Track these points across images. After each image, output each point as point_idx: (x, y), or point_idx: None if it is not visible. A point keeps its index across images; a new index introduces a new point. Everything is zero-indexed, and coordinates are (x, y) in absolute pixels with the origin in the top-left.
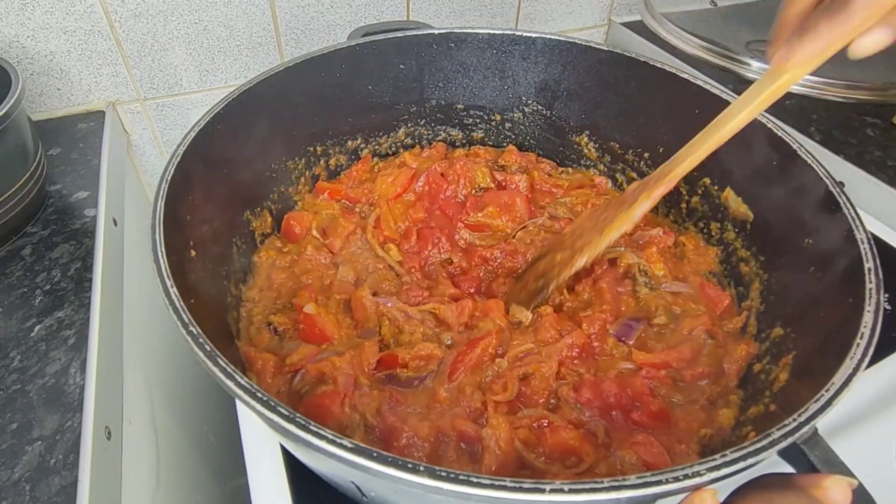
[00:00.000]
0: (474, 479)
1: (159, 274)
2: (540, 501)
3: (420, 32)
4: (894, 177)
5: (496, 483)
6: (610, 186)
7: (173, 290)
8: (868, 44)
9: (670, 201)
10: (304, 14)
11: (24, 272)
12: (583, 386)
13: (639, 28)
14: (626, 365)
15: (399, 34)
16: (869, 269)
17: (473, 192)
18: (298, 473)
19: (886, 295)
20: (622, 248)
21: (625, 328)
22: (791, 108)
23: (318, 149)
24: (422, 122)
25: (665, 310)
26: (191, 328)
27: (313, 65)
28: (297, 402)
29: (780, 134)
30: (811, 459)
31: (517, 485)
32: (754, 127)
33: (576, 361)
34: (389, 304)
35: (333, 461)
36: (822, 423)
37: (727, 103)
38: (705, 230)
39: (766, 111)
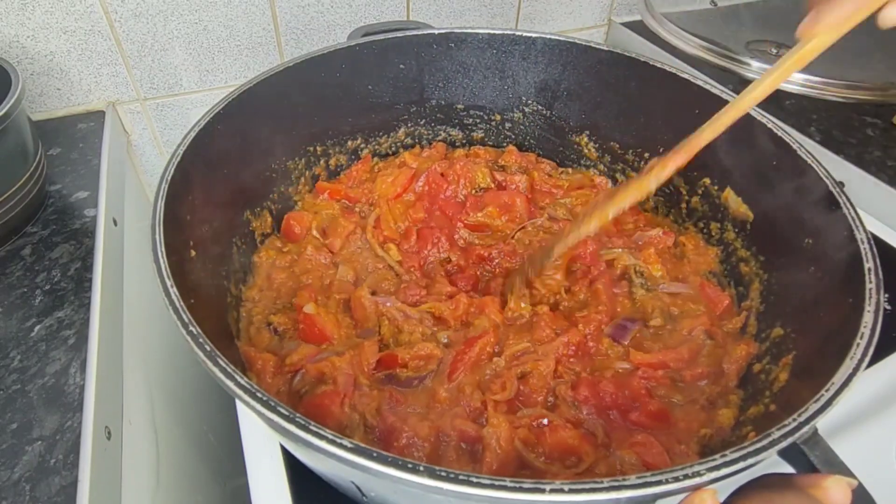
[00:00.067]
0: (474, 479)
1: (159, 274)
2: (540, 501)
3: (420, 32)
4: (894, 177)
5: (496, 483)
6: (610, 186)
7: (173, 290)
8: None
9: (670, 201)
10: (304, 14)
11: (24, 272)
12: (580, 384)
13: (639, 28)
14: (622, 365)
15: (399, 34)
16: (869, 269)
17: (473, 192)
18: (298, 473)
19: (886, 295)
20: (619, 250)
21: (619, 329)
22: (791, 108)
23: (318, 149)
24: (422, 122)
25: (662, 311)
26: (191, 328)
27: (313, 65)
28: (296, 402)
29: (780, 134)
30: (811, 459)
31: (517, 485)
32: (754, 127)
33: (572, 360)
34: (388, 304)
35: (333, 461)
36: (822, 423)
37: (727, 103)
38: (705, 230)
39: (766, 111)
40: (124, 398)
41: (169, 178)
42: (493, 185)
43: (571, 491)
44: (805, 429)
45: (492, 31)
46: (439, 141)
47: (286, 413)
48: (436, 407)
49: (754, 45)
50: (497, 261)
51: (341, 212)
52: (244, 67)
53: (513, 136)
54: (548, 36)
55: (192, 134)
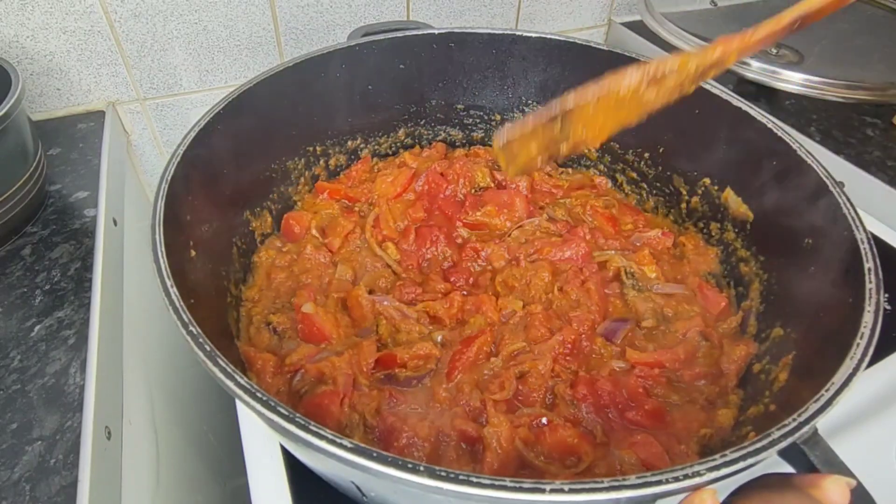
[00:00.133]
0: (474, 479)
1: (159, 274)
2: (540, 501)
3: (420, 32)
4: (894, 177)
5: (496, 483)
6: (610, 186)
7: (173, 290)
8: None
9: (670, 202)
10: (304, 14)
11: (24, 272)
12: (579, 383)
13: (639, 28)
14: (619, 364)
15: (399, 34)
16: (869, 269)
17: (473, 191)
18: (298, 473)
19: (886, 295)
20: (611, 252)
21: (610, 328)
22: (791, 108)
23: (318, 149)
24: (422, 122)
25: (654, 312)
26: (191, 328)
27: (313, 65)
28: (296, 402)
29: (780, 134)
30: (811, 459)
31: (517, 485)
32: (755, 127)
33: (568, 358)
34: (385, 303)
35: (333, 461)
36: (822, 423)
37: (727, 103)
38: (705, 230)
39: (766, 111)
40: (124, 398)
41: (169, 178)
42: (492, 185)
43: (571, 491)
44: (805, 429)
45: (492, 31)
46: (439, 141)
47: (286, 413)
48: (435, 406)
49: None
50: (490, 255)
51: (341, 211)
52: (244, 67)
53: None
54: (548, 36)
55: (192, 134)
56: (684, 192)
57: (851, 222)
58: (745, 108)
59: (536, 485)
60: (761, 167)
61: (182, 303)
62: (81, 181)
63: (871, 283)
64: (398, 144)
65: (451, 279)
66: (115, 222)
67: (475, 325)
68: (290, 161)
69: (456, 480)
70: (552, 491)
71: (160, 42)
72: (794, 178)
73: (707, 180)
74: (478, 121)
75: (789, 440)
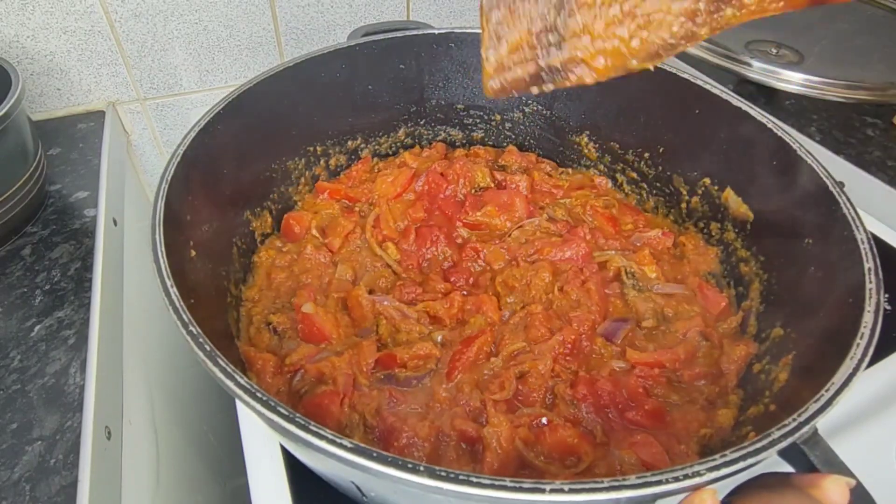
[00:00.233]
0: (474, 479)
1: (159, 274)
2: (540, 501)
3: (420, 32)
4: (894, 177)
5: (496, 483)
6: (610, 186)
7: (173, 290)
8: None
9: (670, 202)
10: (304, 14)
11: (24, 272)
12: (579, 383)
13: None
14: (619, 364)
15: (399, 34)
16: (869, 269)
17: (473, 191)
18: (298, 473)
19: (886, 295)
20: (612, 252)
21: (611, 328)
22: (791, 108)
23: (318, 149)
24: (422, 122)
25: (654, 312)
26: (191, 328)
27: (313, 65)
28: (296, 402)
29: (780, 134)
30: (811, 459)
31: (517, 485)
32: (755, 127)
33: (568, 358)
34: (385, 303)
35: (333, 461)
36: (822, 423)
37: (727, 103)
38: (705, 230)
39: (766, 111)
40: (124, 398)
41: (169, 178)
42: (492, 185)
43: (571, 491)
44: (805, 429)
45: None
46: (439, 141)
47: (286, 413)
48: (435, 406)
49: (754, 45)
50: (489, 255)
51: (341, 211)
52: (244, 67)
53: (513, 136)
54: None
55: (192, 134)
56: (684, 192)
57: (851, 222)
58: (745, 108)
59: (536, 485)
60: (761, 167)
61: (182, 303)
62: (81, 181)
63: (871, 283)
64: (398, 144)
65: (451, 279)
66: (115, 222)
67: (475, 325)
68: (290, 161)
69: (456, 480)
70: (552, 491)
71: (160, 42)
72: (794, 178)
73: (707, 180)
74: (478, 121)
75: (789, 440)
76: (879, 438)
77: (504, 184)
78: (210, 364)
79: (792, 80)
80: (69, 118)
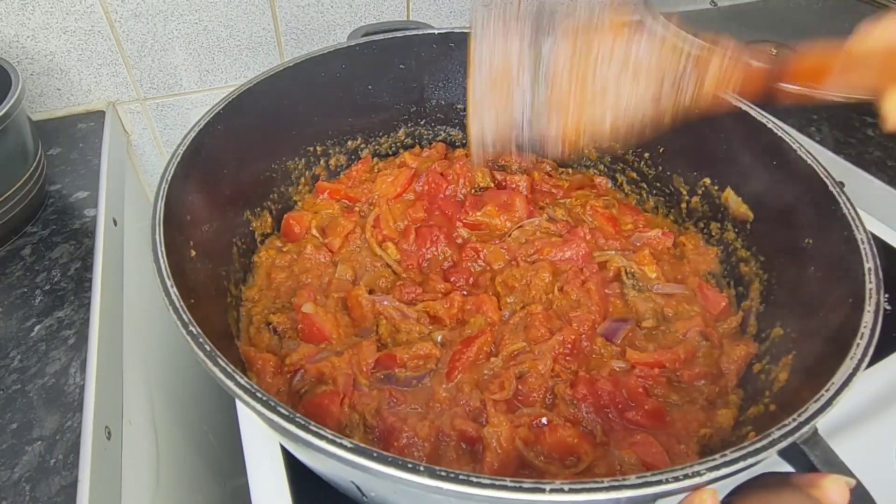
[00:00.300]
0: (474, 479)
1: (159, 274)
2: (540, 501)
3: (420, 32)
4: (894, 177)
5: (496, 483)
6: (610, 186)
7: (173, 290)
8: None
9: (670, 202)
10: (304, 14)
11: (24, 272)
12: (579, 383)
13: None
14: (619, 364)
15: (399, 34)
16: (869, 269)
17: (473, 191)
18: (298, 473)
19: (886, 295)
20: (612, 252)
21: (611, 328)
22: (791, 108)
23: (318, 149)
24: (422, 122)
25: (654, 312)
26: (191, 328)
27: (313, 65)
28: (296, 402)
29: (780, 134)
30: (811, 459)
31: (517, 484)
32: (755, 127)
33: (568, 358)
34: (385, 303)
35: (333, 461)
36: (822, 423)
37: (727, 103)
38: (705, 230)
39: (766, 111)
40: (124, 398)
41: (169, 178)
42: (492, 185)
43: (572, 491)
44: (805, 429)
45: None
46: (439, 141)
47: (286, 413)
48: (435, 406)
49: (754, 45)
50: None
51: (341, 211)
52: (244, 67)
53: None
54: None
55: (192, 134)
56: (684, 192)
57: (851, 222)
58: (745, 107)
59: (536, 485)
60: (761, 167)
61: (182, 303)
62: (81, 181)
63: (871, 283)
64: (398, 144)
65: (451, 279)
66: (115, 222)
67: (475, 325)
68: (290, 161)
69: (456, 480)
70: (552, 491)
71: (160, 42)
72: (794, 177)
73: (707, 180)
74: None
75: (789, 440)
76: (879, 438)
77: (504, 184)
78: (210, 364)
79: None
80: (69, 118)
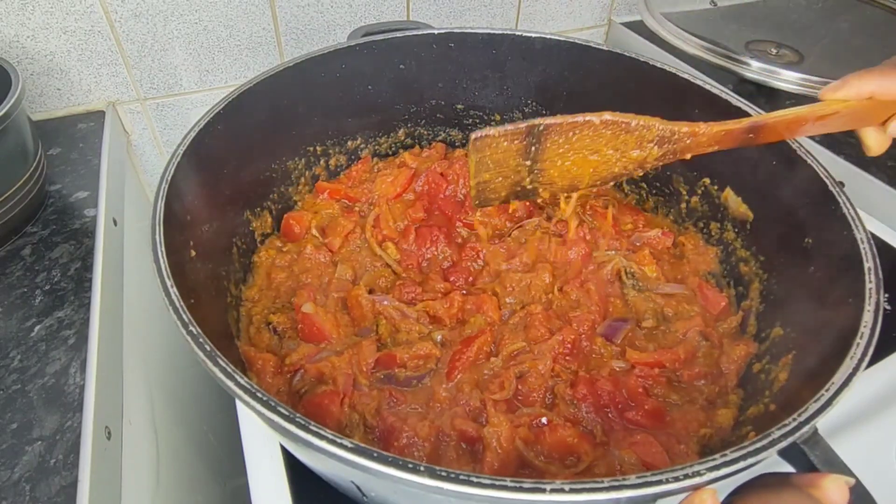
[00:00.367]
0: (475, 479)
1: (159, 274)
2: (540, 501)
3: (420, 32)
4: (894, 177)
5: (496, 483)
6: (610, 186)
7: (173, 290)
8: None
9: (670, 201)
10: (304, 14)
11: (24, 272)
12: (579, 383)
13: (639, 28)
14: (619, 364)
15: (399, 34)
16: (869, 269)
17: None
18: (298, 473)
19: (886, 295)
20: (611, 252)
21: (611, 328)
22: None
23: (318, 149)
24: (422, 122)
25: (654, 312)
26: (191, 328)
27: (313, 65)
28: (296, 402)
29: None
30: (811, 459)
31: (517, 484)
32: None
33: (568, 358)
34: (385, 303)
35: (333, 461)
36: (822, 423)
37: (727, 103)
38: (705, 230)
39: (765, 111)
40: (124, 398)
41: (169, 178)
42: None
43: (572, 491)
44: (805, 429)
45: (492, 31)
46: (439, 141)
47: (286, 413)
48: (435, 406)
49: (754, 45)
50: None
51: (341, 211)
52: (244, 67)
53: None
54: (548, 36)
55: (192, 134)
56: (684, 192)
57: (851, 222)
58: (744, 107)
59: (537, 485)
60: (761, 167)
61: (182, 303)
62: (81, 181)
63: (871, 283)
64: (398, 144)
65: (451, 279)
66: (115, 222)
67: (475, 325)
68: (290, 161)
69: (456, 480)
70: (552, 491)
71: (160, 42)
72: (794, 178)
73: (707, 180)
74: (478, 121)
75: (789, 440)
76: (879, 438)
77: None
78: (210, 364)
79: (791, 80)
80: (69, 118)
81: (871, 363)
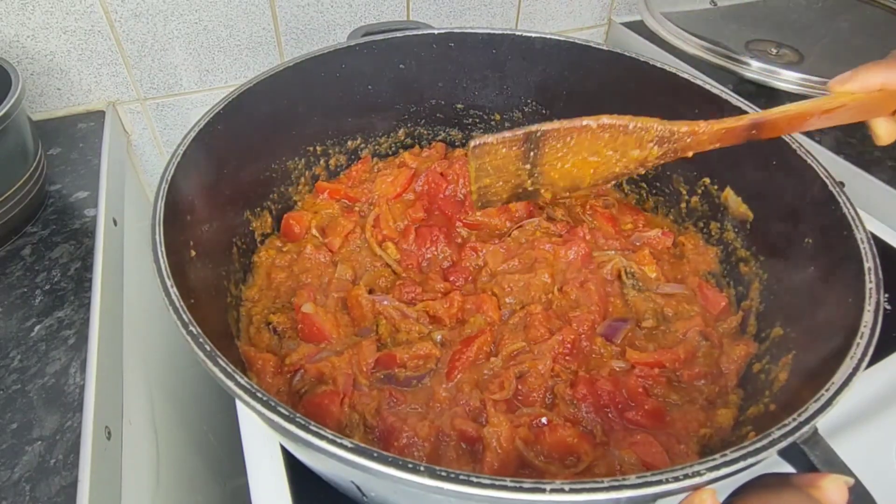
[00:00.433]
0: (474, 479)
1: (159, 274)
2: (540, 501)
3: (420, 32)
4: (894, 177)
5: (496, 483)
6: (610, 186)
7: (173, 290)
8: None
9: (670, 201)
10: (304, 14)
11: (24, 272)
12: (579, 383)
13: (639, 28)
14: (619, 364)
15: (399, 34)
16: (869, 269)
17: None
18: (298, 473)
19: (886, 295)
20: (611, 252)
21: (610, 328)
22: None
23: (318, 149)
24: (422, 122)
25: (654, 313)
26: (191, 328)
27: (313, 65)
28: (296, 402)
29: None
30: (811, 459)
31: (517, 485)
32: None
33: (568, 358)
34: (385, 303)
35: (333, 461)
36: (822, 423)
37: (727, 103)
38: (705, 230)
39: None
40: (124, 398)
41: (169, 178)
42: None
43: (572, 491)
44: (805, 429)
45: (492, 31)
46: (439, 141)
47: (286, 413)
48: (435, 406)
49: (754, 45)
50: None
51: (341, 211)
52: (244, 67)
53: None
54: (548, 36)
55: (192, 134)
56: (684, 192)
57: (851, 222)
58: (744, 107)
59: (537, 485)
60: (761, 167)
61: (182, 303)
62: (81, 181)
63: (871, 283)
64: (398, 144)
65: (451, 279)
66: (115, 222)
67: (475, 325)
68: (290, 161)
69: (456, 480)
70: (552, 491)
71: (160, 42)
72: (794, 177)
73: (707, 180)
74: (477, 121)
75: (789, 440)
76: (879, 438)
77: None
78: (210, 364)
79: (791, 80)
80: (69, 118)
81: (871, 363)
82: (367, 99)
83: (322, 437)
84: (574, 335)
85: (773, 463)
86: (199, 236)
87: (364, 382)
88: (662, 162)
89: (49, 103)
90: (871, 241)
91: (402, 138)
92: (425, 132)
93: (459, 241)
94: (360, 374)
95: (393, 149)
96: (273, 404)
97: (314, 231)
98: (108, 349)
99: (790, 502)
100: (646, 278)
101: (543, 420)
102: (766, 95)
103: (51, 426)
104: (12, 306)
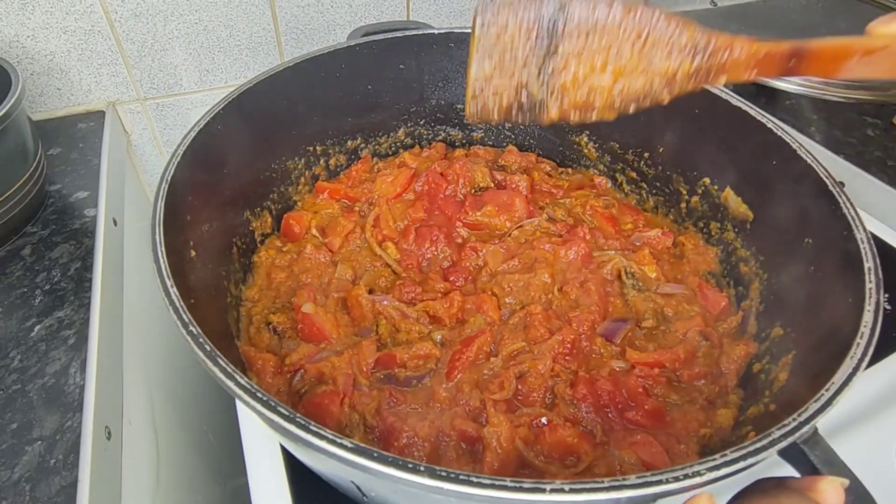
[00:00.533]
0: (474, 479)
1: (159, 274)
2: (540, 501)
3: (420, 32)
4: (894, 177)
5: (496, 483)
6: (610, 186)
7: (173, 290)
8: None
9: (670, 201)
10: (304, 14)
11: (24, 272)
12: (579, 383)
13: None
14: (619, 364)
15: (399, 34)
16: (869, 269)
17: (472, 191)
18: (298, 473)
19: (886, 295)
20: (612, 252)
21: (610, 328)
22: (791, 108)
23: (318, 149)
24: (422, 122)
25: (654, 313)
26: (191, 328)
27: (313, 65)
28: (296, 402)
29: (780, 134)
30: (811, 459)
31: (517, 484)
32: (755, 126)
33: (567, 358)
34: (385, 303)
35: (334, 461)
36: (822, 423)
37: (727, 103)
38: (705, 230)
39: (766, 111)
40: (124, 398)
41: (169, 178)
42: (492, 185)
43: (572, 490)
44: (805, 429)
45: None
46: (439, 141)
47: (286, 413)
48: (435, 406)
49: None
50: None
51: (341, 211)
52: (244, 67)
53: (513, 136)
54: None
55: (192, 134)
56: (684, 192)
57: (851, 222)
58: (745, 107)
59: (537, 484)
60: (761, 167)
61: (182, 303)
62: (81, 181)
63: (871, 283)
64: (398, 144)
65: (451, 279)
66: (115, 222)
67: (475, 325)
68: (290, 161)
69: (456, 480)
70: (552, 491)
71: (160, 42)
72: (794, 178)
73: (707, 180)
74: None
75: (789, 440)
76: (879, 438)
77: (504, 184)
78: (210, 364)
79: (792, 80)
80: (69, 118)
81: (871, 363)
82: (367, 99)
83: (322, 437)
84: (574, 335)
85: (773, 463)
86: (199, 236)
87: (364, 382)
88: (689, 89)
89: (49, 103)
90: (871, 241)
91: (403, 138)
92: (425, 132)
93: (459, 241)
94: (360, 374)
95: (393, 149)
96: (273, 404)
97: (314, 231)
98: (108, 349)
99: None
100: (646, 278)
101: (543, 420)
102: (767, 95)
103: (51, 426)
104: (12, 306)
